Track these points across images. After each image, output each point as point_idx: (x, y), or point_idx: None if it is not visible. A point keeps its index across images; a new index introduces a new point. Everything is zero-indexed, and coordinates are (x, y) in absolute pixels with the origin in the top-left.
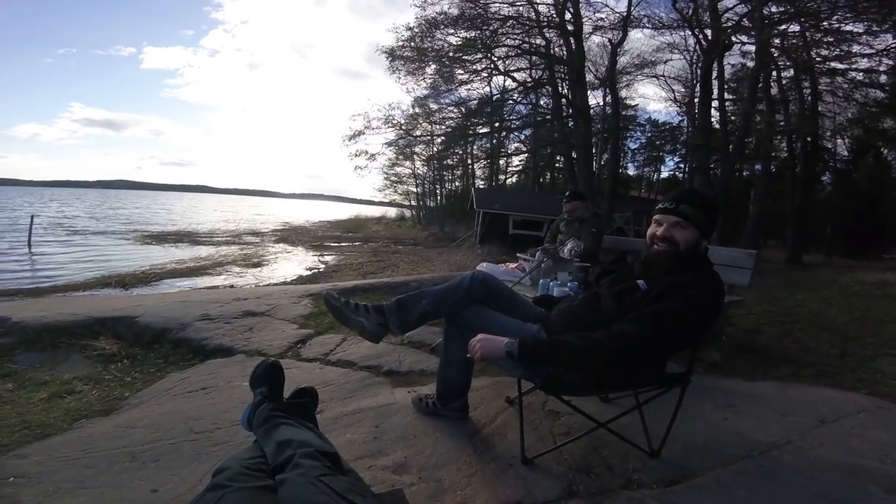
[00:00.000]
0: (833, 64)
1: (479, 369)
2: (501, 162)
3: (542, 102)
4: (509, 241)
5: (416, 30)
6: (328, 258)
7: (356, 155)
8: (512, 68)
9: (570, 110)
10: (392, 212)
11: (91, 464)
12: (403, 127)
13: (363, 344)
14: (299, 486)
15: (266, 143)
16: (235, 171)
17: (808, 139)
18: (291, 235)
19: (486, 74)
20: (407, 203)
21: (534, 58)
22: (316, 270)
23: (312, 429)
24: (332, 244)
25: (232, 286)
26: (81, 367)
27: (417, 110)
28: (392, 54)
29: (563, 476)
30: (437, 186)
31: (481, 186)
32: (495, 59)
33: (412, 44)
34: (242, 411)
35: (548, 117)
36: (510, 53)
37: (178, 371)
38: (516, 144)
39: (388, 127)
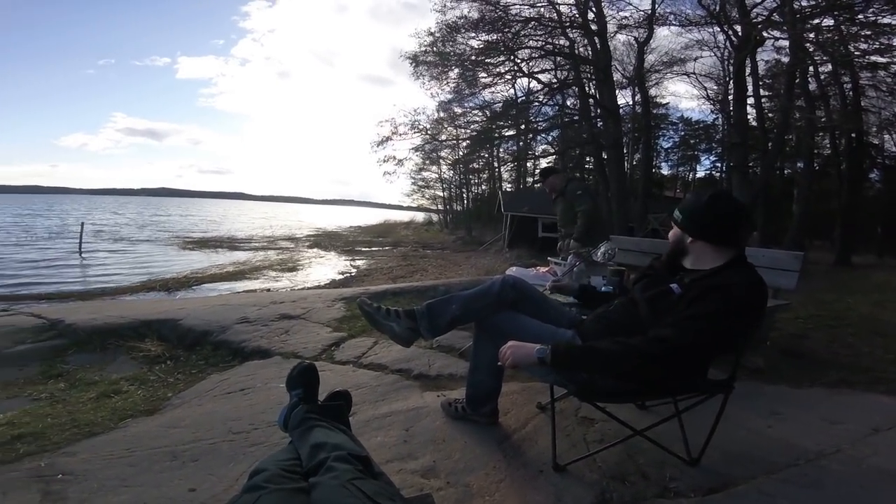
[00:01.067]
0: (873, 58)
1: (510, 374)
2: (529, 164)
3: (568, 103)
4: (539, 244)
5: (438, 34)
6: (359, 262)
7: (384, 160)
8: (536, 70)
9: (599, 110)
10: (420, 216)
11: (134, 462)
12: (429, 132)
13: (394, 347)
14: (331, 490)
15: (298, 150)
16: (270, 178)
17: (853, 135)
18: (324, 240)
19: (509, 77)
20: (434, 207)
21: (558, 58)
22: (348, 274)
23: (346, 431)
24: (363, 249)
25: (269, 290)
26: (128, 368)
27: (442, 114)
28: (415, 60)
29: (596, 484)
30: (464, 190)
31: (508, 189)
32: (518, 61)
33: (434, 48)
34: (278, 412)
35: (575, 118)
36: (533, 55)
37: (218, 372)
38: (543, 146)
39: (415, 132)
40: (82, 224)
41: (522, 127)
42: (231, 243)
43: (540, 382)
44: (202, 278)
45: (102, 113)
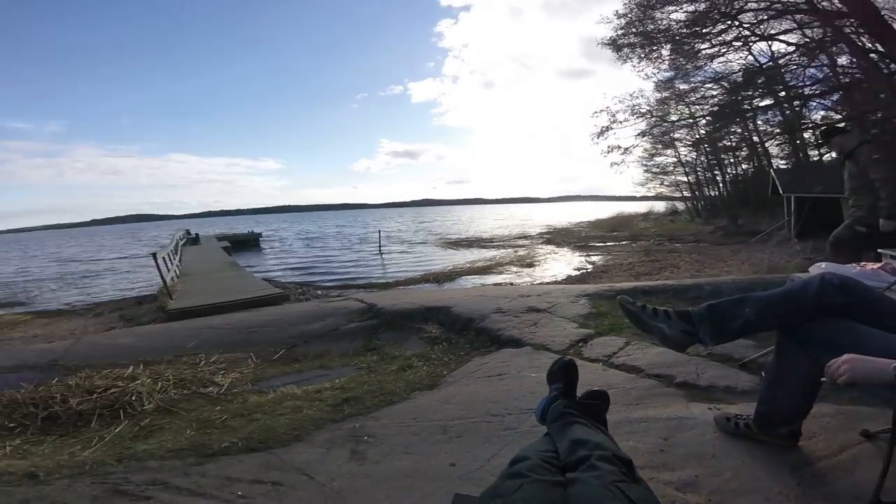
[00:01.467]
0: None
1: (823, 394)
2: (806, 135)
3: (842, 61)
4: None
5: (630, 15)
6: (594, 258)
7: (608, 151)
8: (773, 31)
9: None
10: (660, 206)
11: (416, 431)
12: (654, 114)
13: (650, 350)
14: (593, 489)
15: (521, 153)
16: (501, 182)
17: None
18: (556, 237)
19: (740, 43)
20: (678, 195)
21: (798, 16)
22: (584, 270)
23: (604, 431)
24: (597, 244)
25: (511, 283)
26: (417, 347)
27: (665, 94)
28: (615, 44)
29: None
30: (717, 172)
31: (783, 167)
32: (745, 25)
33: (633, 29)
34: (529, 400)
35: (858, 76)
36: (761, 17)
37: (479, 356)
38: (822, 113)
39: (637, 117)
40: (379, 232)
41: (782, 94)
42: (478, 242)
43: (870, 407)
44: (460, 272)
45: (373, 140)
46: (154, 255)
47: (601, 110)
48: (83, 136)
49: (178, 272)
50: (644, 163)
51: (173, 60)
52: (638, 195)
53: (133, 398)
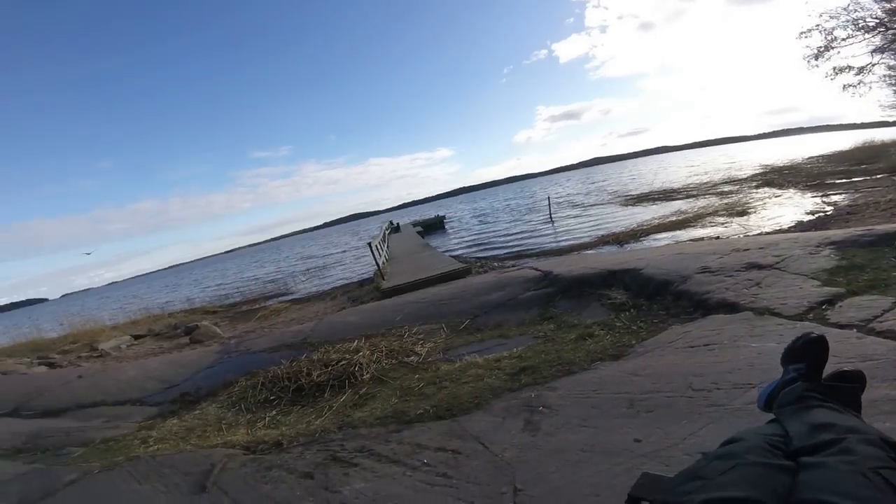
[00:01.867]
0: None
1: None
2: None
3: None
4: None
5: None
6: (835, 198)
7: (835, 74)
8: None
9: None
10: None
11: (596, 404)
12: (890, 27)
13: None
14: (841, 474)
15: (707, 91)
16: (688, 125)
17: None
18: (777, 178)
19: None
20: None
21: None
22: (821, 214)
23: (858, 417)
24: (837, 181)
25: (717, 237)
26: (598, 314)
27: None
28: None
29: None
30: None
31: None
32: None
33: None
34: (745, 374)
35: None
36: None
37: (679, 324)
38: None
39: (864, 32)
40: (549, 198)
41: None
42: (666, 195)
43: None
44: (647, 230)
45: (529, 110)
46: (370, 245)
47: (809, 30)
48: (305, 156)
49: (387, 257)
50: (892, 81)
51: (349, 82)
52: (891, 119)
53: (356, 369)
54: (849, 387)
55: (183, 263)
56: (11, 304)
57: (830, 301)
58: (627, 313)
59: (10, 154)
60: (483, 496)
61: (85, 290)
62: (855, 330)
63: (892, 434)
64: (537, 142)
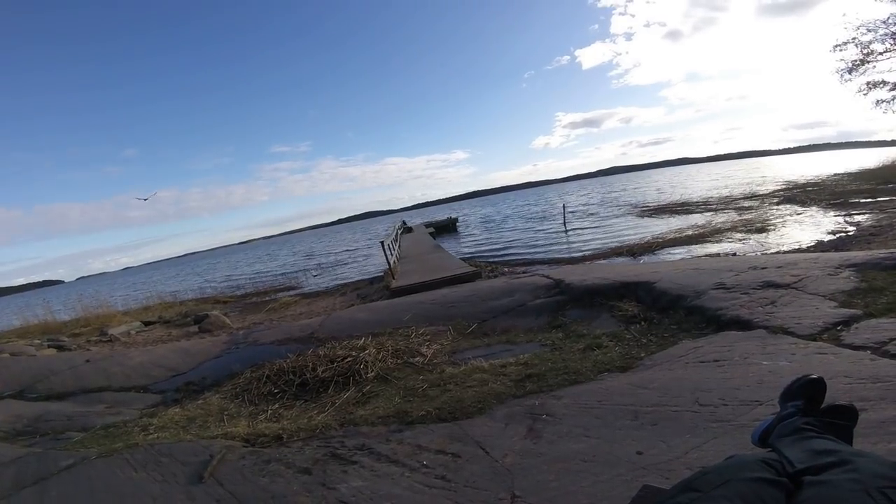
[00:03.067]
0: None
1: None
2: None
3: None
4: None
5: None
6: (858, 218)
7: (868, 88)
8: None
9: None
10: None
11: (600, 415)
12: None
13: None
14: (845, 492)
15: (734, 104)
16: (712, 137)
17: None
18: (799, 195)
19: None
20: None
21: None
22: (843, 234)
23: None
24: (861, 200)
25: (734, 254)
26: (608, 325)
27: None
28: None
29: None
30: None
31: None
32: None
33: None
34: (754, 391)
35: None
36: None
37: (690, 339)
38: None
39: None
40: (563, 206)
41: None
42: (685, 208)
43: None
44: (662, 243)
45: (548, 116)
46: (382, 243)
47: (845, 42)
48: (324, 152)
49: (398, 256)
50: None
51: (368, 77)
52: None
53: (360, 367)
54: (843, 423)
55: (197, 252)
56: (28, 284)
57: (846, 322)
58: (638, 326)
59: (34, 141)
60: (481, 501)
61: (100, 273)
62: (869, 352)
63: (892, 454)
64: (555, 148)
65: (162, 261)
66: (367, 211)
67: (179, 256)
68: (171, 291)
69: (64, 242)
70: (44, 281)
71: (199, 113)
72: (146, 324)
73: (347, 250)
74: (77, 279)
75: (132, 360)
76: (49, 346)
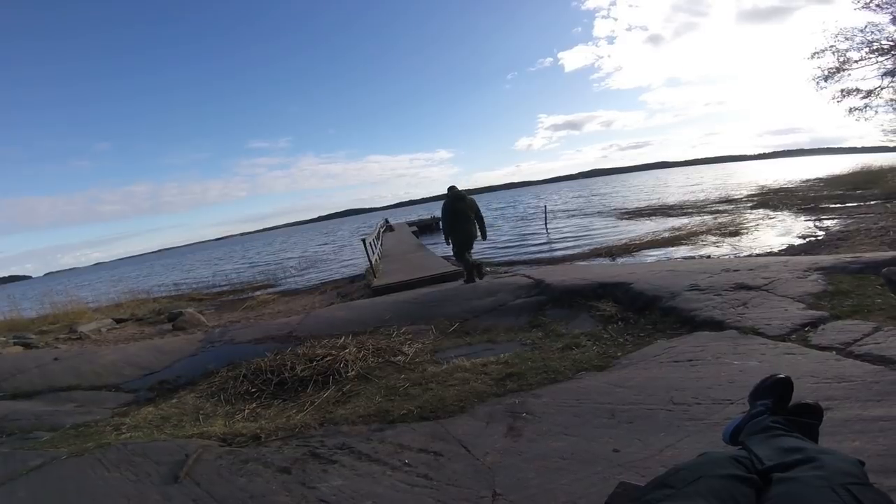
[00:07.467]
0: None
1: None
2: None
3: None
4: None
5: None
6: (828, 223)
7: (842, 96)
8: None
9: None
10: None
11: (579, 413)
12: None
13: None
14: (810, 489)
15: (711, 108)
16: (689, 141)
17: None
18: (772, 199)
19: None
20: None
21: None
22: (812, 239)
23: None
24: (831, 205)
25: (708, 256)
26: (587, 325)
27: None
28: None
29: None
30: None
31: None
32: None
33: None
34: (726, 390)
35: None
36: None
37: (665, 339)
38: None
39: (877, 55)
40: (545, 207)
41: None
42: (662, 211)
43: None
44: (640, 245)
45: (531, 117)
46: (363, 241)
47: (822, 50)
48: (304, 149)
49: (380, 254)
50: None
51: (351, 76)
52: (890, 145)
53: (341, 366)
54: (809, 423)
55: (173, 248)
56: None
57: (814, 324)
58: (615, 325)
59: (4, 133)
60: (462, 499)
61: (70, 268)
62: (834, 352)
63: (859, 452)
64: (537, 150)
65: (135, 256)
66: (350, 208)
67: (153, 252)
68: (144, 288)
69: (32, 237)
70: (10, 276)
71: (175, 108)
72: (118, 321)
73: (327, 246)
74: (45, 274)
75: (103, 357)
76: (15, 344)
